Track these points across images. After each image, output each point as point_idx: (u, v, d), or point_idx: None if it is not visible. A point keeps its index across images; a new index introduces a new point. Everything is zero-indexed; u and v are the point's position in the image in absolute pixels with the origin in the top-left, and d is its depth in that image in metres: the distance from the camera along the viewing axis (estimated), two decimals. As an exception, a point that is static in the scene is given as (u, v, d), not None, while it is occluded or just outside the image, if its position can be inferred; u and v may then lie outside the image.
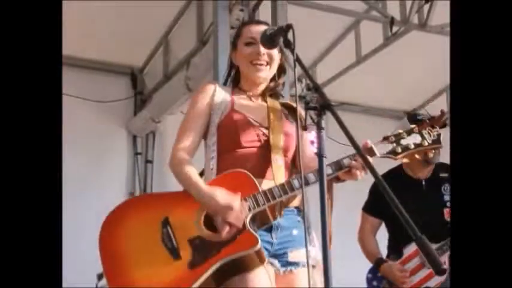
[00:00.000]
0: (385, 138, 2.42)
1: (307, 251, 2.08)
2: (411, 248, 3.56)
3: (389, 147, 2.40)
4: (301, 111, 2.29)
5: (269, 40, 2.28)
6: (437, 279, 3.52)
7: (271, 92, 2.54)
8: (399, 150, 2.40)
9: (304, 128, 2.35)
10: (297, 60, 2.07)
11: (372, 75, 6.03)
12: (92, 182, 5.65)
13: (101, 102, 5.94)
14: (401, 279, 3.56)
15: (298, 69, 2.06)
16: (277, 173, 2.33)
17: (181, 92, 5.28)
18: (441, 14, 4.91)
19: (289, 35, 2.15)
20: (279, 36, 2.24)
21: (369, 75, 5.94)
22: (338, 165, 2.30)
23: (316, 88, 2.00)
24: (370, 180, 2.00)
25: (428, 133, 2.44)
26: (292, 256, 2.33)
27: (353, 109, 6.64)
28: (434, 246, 3.30)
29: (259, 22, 2.63)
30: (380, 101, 6.86)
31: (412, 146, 2.41)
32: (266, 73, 2.47)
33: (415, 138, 2.43)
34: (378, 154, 2.36)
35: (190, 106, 2.49)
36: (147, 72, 6.27)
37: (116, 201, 2.42)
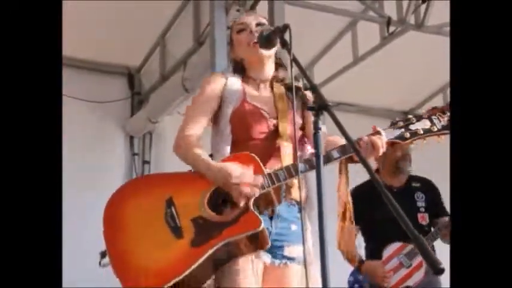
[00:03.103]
0: (394, 124, 2.41)
1: (304, 248, 2.10)
2: (390, 250, 3.81)
3: (398, 132, 2.39)
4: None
5: (266, 41, 2.29)
6: (416, 278, 3.76)
7: (279, 81, 2.54)
8: (408, 135, 2.38)
9: (301, 128, 2.37)
10: (294, 60, 2.07)
11: (369, 76, 6.03)
12: (89, 182, 5.63)
13: (97, 103, 5.94)
14: (382, 277, 3.75)
15: (295, 69, 2.07)
16: (286, 160, 2.34)
17: (179, 93, 5.28)
18: (438, 14, 4.92)
19: (286, 35, 2.16)
20: (276, 37, 2.25)
21: (366, 75, 5.94)
22: (344, 149, 2.31)
23: (313, 88, 2.01)
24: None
25: (438, 118, 2.41)
26: (288, 251, 2.35)
27: (350, 109, 6.64)
28: (410, 246, 3.74)
29: (248, 11, 2.65)
30: (377, 101, 6.86)
31: (421, 132, 2.39)
32: (266, 50, 2.45)
33: (424, 124, 2.40)
34: (385, 138, 2.35)
35: (200, 92, 2.49)
36: (144, 72, 6.26)
37: (113, 201, 2.42)
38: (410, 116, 2.43)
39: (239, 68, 2.55)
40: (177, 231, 2.24)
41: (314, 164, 2.21)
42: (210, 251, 2.18)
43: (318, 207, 1.83)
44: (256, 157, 2.27)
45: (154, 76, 5.95)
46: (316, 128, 1.94)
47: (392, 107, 7.03)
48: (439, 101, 6.55)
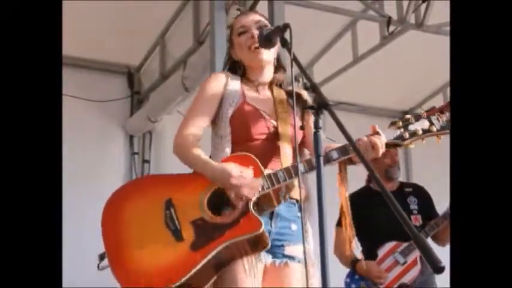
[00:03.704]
0: (393, 124, 2.40)
1: (304, 246, 2.09)
2: (385, 249, 3.97)
3: (397, 132, 2.38)
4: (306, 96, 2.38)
5: (266, 40, 2.29)
6: (411, 275, 3.91)
7: (278, 83, 2.54)
8: (407, 135, 2.38)
9: (301, 128, 2.37)
10: (294, 59, 2.07)
11: (369, 75, 6.03)
12: (89, 181, 5.63)
13: (97, 102, 5.94)
14: (377, 274, 3.91)
15: (295, 68, 2.06)
16: (285, 162, 2.34)
17: (178, 92, 5.28)
18: (438, 13, 4.91)
19: (286, 35, 2.16)
20: (276, 36, 2.25)
21: (366, 74, 5.94)
22: (344, 150, 2.31)
23: (313, 88, 2.00)
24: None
25: (437, 119, 2.40)
26: (288, 250, 2.34)
27: (350, 108, 6.64)
28: (405, 244, 3.91)
29: (247, 12, 2.65)
30: (377, 101, 6.86)
31: (420, 132, 2.38)
32: (267, 55, 2.44)
33: (423, 124, 2.39)
34: (384, 138, 2.34)
35: (201, 91, 2.48)
36: (144, 71, 6.26)
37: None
38: (409, 116, 2.42)
39: (237, 68, 2.54)
40: (177, 234, 2.23)
41: (313, 164, 2.22)
42: (211, 255, 2.17)
43: (318, 207, 1.83)
44: (255, 158, 2.27)
45: (154, 75, 5.94)
46: (317, 127, 1.94)
47: (393, 107, 7.03)
48: (439, 101, 6.55)
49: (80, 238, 4.86)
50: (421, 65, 6.00)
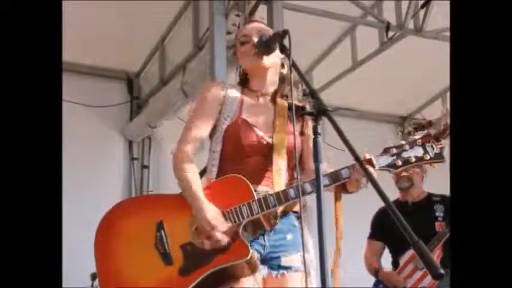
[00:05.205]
0: (386, 150, 2.32)
1: (304, 256, 2.09)
2: (405, 257, 4.18)
3: (390, 159, 2.31)
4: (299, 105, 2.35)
5: (265, 46, 2.29)
6: (430, 278, 4.04)
7: (282, 94, 2.50)
8: (399, 163, 2.30)
9: (302, 133, 2.35)
10: (293, 65, 2.07)
11: (368, 80, 6.03)
12: (88, 187, 5.63)
13: (96, 107, 5.94)
14: (395, 282, 4.16)
15: (295, 74, 2.07)
16: (277, 177, 2.32)
17: (178, 97, 5.28)
18: (437, 19, 4.93)
19: (285, 41, 2.16)
20: (275, 42, 2.25)
21: (365, 80, 5.95)
22: (335, 176, 2.26)
23: (312, 93, 2.00)
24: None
25: (432, 146, 2.36)
26: (285, 261, 2.33)
27: (349, 114, 6.65)
28: None
29: (251, 21, 2.64)
30: (376, 106, 6.87)
31: (413, 160, 2.30)
32: (267, 60, 2.40)
33: (417, 151, 2.32)
34: (376, 166, 2.28)
35: (200, 101, 2.46)
36: (143, 77, 6.27)
37: (112, 206, 2.42)
38: (403, 143, 2.36)
39: (243, 79, 2.53)
40: (166, 258, 2.23)
41: (306, 190, 2.21)
42: (198, 280, 2.17)
43: (318, 216, 1.82)
44: (246, 181, 2.24)
45: (154, 81, 5.95)
46: (316, 133, 1.93)
47: (392, 112, 7.04)
48: (438, 106, 6.56)
49: (80, 240, 4.84)
50: (420, 70, 6.01)
